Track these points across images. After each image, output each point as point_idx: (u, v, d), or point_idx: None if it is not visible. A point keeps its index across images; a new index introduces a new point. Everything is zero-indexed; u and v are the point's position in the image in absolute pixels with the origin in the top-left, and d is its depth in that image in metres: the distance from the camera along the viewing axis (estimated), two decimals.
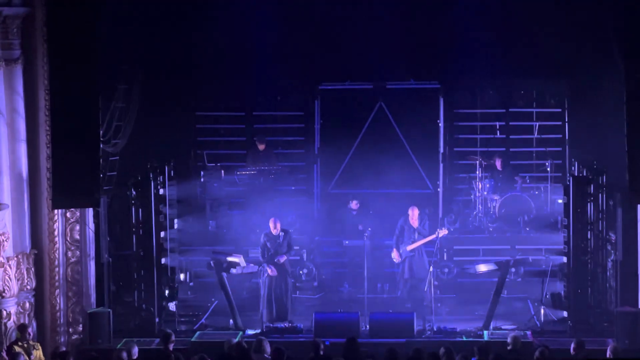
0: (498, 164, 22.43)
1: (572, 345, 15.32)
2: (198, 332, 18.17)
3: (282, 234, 19.06)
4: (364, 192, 22.39)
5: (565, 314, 18.51)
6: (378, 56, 21.66)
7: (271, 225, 19.08)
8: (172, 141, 21.85)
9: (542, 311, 18.38)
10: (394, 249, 19.82)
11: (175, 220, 20.96)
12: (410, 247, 19.60)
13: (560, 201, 20.67)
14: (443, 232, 19.56)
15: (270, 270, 18.80)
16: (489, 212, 22.05)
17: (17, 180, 17.33)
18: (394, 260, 19.90)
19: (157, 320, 18.51)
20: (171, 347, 15.80)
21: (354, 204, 21.96)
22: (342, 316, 18.17)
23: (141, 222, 18.81)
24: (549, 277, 18.76)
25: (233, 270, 18.99)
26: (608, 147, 19.21)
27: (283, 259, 18.93)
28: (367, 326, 17.81)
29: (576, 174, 19.25)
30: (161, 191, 19.33)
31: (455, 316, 19.20)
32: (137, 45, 19.72)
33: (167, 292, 19.28)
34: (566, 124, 23.00)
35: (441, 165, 23.06)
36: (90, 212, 18.26)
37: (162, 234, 19.11)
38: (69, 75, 16.75)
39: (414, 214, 19.73)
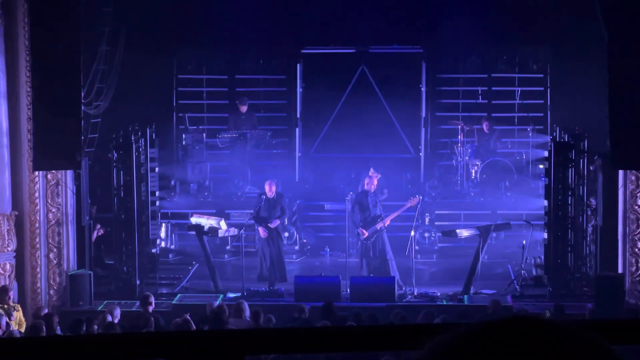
0: (485, 126, 22.44)
1: (551, 310, 15.46)
2: (179, 295, 18.20)
3: (276, 197, 18.89)
4: (345, 156, 22.38)
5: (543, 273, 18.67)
6: (361, 20, 21.60)
7: (267, 188, 18.88)
8: (154, 104, 21.80)
9: (522, 275, 18.48)
10: (360, 227, 18.43)
11: (157, 183, 20.93)
12: (379, 225, 18.42)
13: (541, 166, 20.75)
14: (415, 200, 18.59)
15: (262, 231, 18.67)
16: (470, 177, 22.10)
17: None
18: (362, 236, 18.44)
19: (137, 282, 18.52)
20: (150, 309, 15.87)
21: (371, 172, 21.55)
22: (323, 280, 18.21)
23: (122, 184, 18.78)
24: (529, 241, 18.84)
25: (214, 233, 19.00)
26: (590, 112, 19.24)
27: (276, 223, 18.69)
28: (348, 290, 17.84)
29: (557, 140, 19.29)
30: (142, 154, 19.29)
31: (435, 281, 19.27)
32: (119, 6, 19.60)
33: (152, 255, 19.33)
34: (548, 89, 23.02)
35: (423, 130, 23.05)
36: (71, 174, 18.22)
37: (144, 196, 19.10)
38: (50, 36, 16.65)
39: (373, 183, 18.60)
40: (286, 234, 21.04)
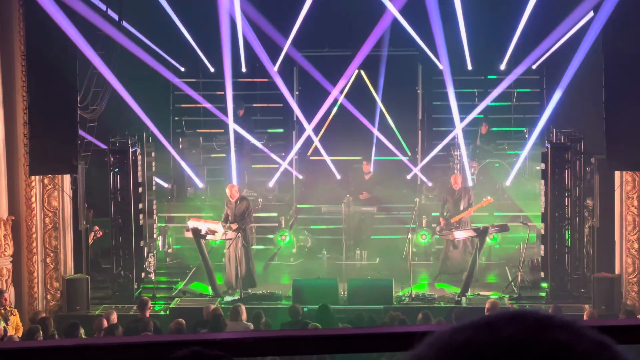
0: (483, 129, 22.48)
1: (549, 312, 15.45)
2: (176, 299, 18.18)
3: (239, 201, 18.79)
4: (342, 158, 22.38)
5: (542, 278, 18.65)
6: (357, 23, 21.58)
7: (227, 192, 18.89)
8: (150, 108, 21.75)
9: (519, 277, 18.46)
10: (441, 219, 19.34)
11: (154, 187, 20.92)
12: (454, 219, 19.07)
13: (538, 168, 20.75)
14: (488, 200, 19.30)
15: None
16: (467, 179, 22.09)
17: None
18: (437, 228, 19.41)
19: (135, 286, 18.51)
20: (148, 313, 15.85)
21: (365, 166, 21.76)
22: (321, 283, 18.20)
23: (119, 188, 18.77)
24: (526, 243, 18.83)
25: (211, 237, 18.96)
26: (586, 114, 19.25)
27: (234, 226, 18.48)
28: (345, 293, 17.82)
29: (554, 141, 19.29)
30: (139, 158, 19.28)
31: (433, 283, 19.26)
32: (114, 9, 19.59)
33: (149, 260, 19.27)
34: (544, 91, 23.02)
35: (419, 132, 23.05)
36: (68, 178, 18.20)
37: (140, 200, 19.08)
38: (46, 40, 16.64)
39: (456, 181, 19.31)
40: (286, 237, 21.03)
